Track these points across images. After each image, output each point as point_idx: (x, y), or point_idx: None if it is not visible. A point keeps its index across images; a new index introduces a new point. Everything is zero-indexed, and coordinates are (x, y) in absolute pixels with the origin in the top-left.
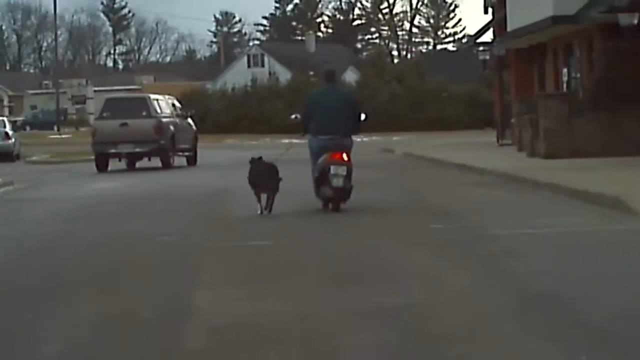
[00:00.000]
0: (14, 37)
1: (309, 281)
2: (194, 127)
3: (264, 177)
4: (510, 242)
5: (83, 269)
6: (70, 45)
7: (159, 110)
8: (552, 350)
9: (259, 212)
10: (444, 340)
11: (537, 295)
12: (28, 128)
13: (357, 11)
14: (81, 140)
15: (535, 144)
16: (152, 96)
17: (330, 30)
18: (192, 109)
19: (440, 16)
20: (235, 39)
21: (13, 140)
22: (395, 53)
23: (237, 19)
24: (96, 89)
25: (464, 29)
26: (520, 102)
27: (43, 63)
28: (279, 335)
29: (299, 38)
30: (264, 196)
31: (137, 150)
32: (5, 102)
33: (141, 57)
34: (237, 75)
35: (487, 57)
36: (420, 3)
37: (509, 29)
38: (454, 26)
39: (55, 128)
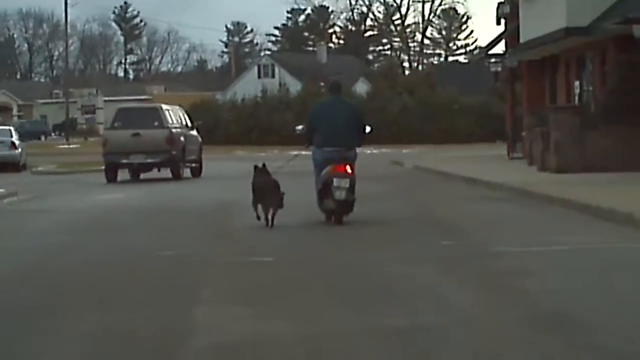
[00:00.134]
0: (26, 45)
1: (313, 300)
2: (199, 138)
3: (265, 191)
4: (521, 260)
5: (83, 284)
6: (82, 55)
7: (170, 121)
8: None
9: (255, 216)
10: None
11: (549, 317)
12: None
13: (369, 22)
14: (89, 151)
15: (546, 157)
16: (164, 106)
17: (342, 41)
18: (200, 119)
19: (452, 28)
20: (246, 49)
21: (20, 150)
22: (406, 64)
23: (248, 29)
24: (106, 98)
25: (475, 40)
26: (532, 114)
27: (54, 72)
28: (281, 356)
29: (311, 49)
30: (259, 207)
31: (149, 160)
32: (15, 111)
33: (152, 67)
34: (248, 86)
35: (499, 69)
36: (432, 14)
37: (521, 40)
38: (465, 38)
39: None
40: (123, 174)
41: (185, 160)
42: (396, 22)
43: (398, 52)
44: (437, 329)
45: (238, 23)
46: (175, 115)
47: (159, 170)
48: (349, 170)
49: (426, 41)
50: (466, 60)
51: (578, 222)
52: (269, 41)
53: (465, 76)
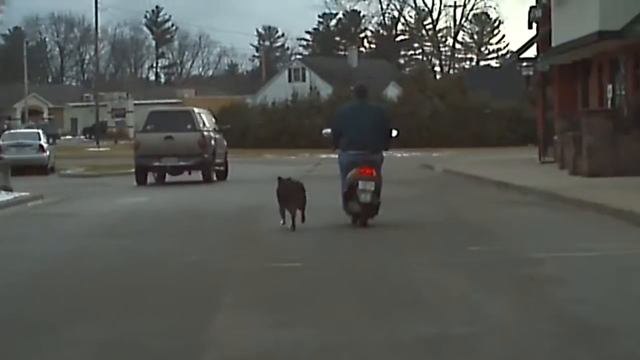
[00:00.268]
0: (57, 49)
1: (339, 308)
2: (224, 142)
3: (290, 193)
4: (553, 267)
5: (98, 292)
6: (113, 58)
7: (202, 124)
8: None
9: (281, 222)
10: None
11: (582, 327)
12: None
13: (400, 27)
14: (119, 154)
15: (577, 161)
16: (196, 110)
17: (373, 46)
18: (229, 123)
19: (484, 32)
20: (277, 54)
21: (48, 153)
22: (437, 69)
23: (279, 33)
24: (136, 102)
25: (507, 45)
26: (563, 118)
27: (85, 76)
28: None
29: (342, 53)
30: (287, 213)
31: (181, 163)
32: (45, 115)
33: (183, 71)
34: (278, 90)
35: (531, 73)
36: (464, 19)
37: (553, 44)
38: (497, 42)
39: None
40: (149, 177)
41: (214, 163)
42: (427, 27)
43: (429, 57)
44: (465, 339)
45: (269, 27)
46: (205, 119)
47: (189, 174)
48: (374, 173)
49: (458, 46)
50: (498, 65)
51: (611, 228)
52: (300, 45)
53: (497, 81)
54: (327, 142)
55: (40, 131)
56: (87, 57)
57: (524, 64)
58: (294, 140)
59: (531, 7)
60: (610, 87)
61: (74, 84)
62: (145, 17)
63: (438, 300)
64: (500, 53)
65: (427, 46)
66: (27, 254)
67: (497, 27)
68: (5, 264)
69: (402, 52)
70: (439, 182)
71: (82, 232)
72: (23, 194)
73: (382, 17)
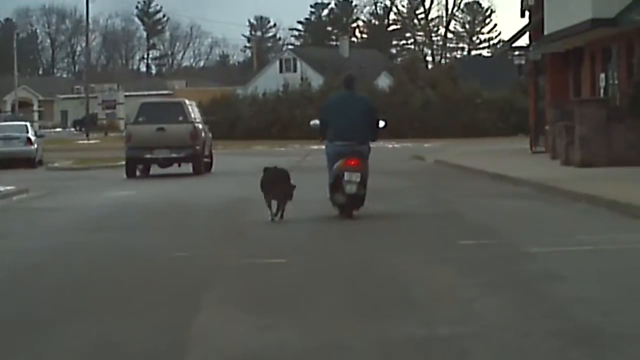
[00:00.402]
0: (48, 41)
1: (326, 307)
2: (210, 134)
3: (274, 183)
4: (549, 262)
5: (82, 289)
6: (104, 50)
7: (193, 116)
8: None
9: (269, 218)
10: None
11: (582, 329)
12: None
13: (392, 16)
14: (109, 146)
15: (570, 151)
16: (187, 101)
17: (364, 36)
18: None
19: (476, 22)
20: (269, 44)
21: (35, 146)
22: (429, 59)
23: (271, 23)
24: (127, 93)
25: (499, 34)
26: (555, 108)
27: (76, 67)
28: None
29: (334, 43)
30: (274, 202)
31: (174, 155)
32: (35, 107)
33: (174, 62)
34: (269, 80)
35: (523, 62)
36: (456, 8)
37: (545, 32)
38: (489, 32)
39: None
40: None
41: (204, 155)
42: (419, 16)
43: (421, 46)
44: (457, 340)
45: (261, 18)
46: (196, 110)
47: (179, 166)
48: (360, 164)
49: (449, 35)
50: (489, 54)
51: (607, 220)
52: (291, 36)
53: (488, 70)
54: (317, 133)
55: (28, 124)
56: (79, 48)
57: (516, 52)
58: (285, 131)
59: None
60: (603, 75)
61: (65, 75)
62: (137, 8)
63: (429, 298)
64: (491, 42)
65: (419, 36)
66: (10, 249)
67: (489, 16)
68: None
69: (394, 42)
70: (430, 173)
71: (67, 227)
72: (8, 187)
73: (374, 7)
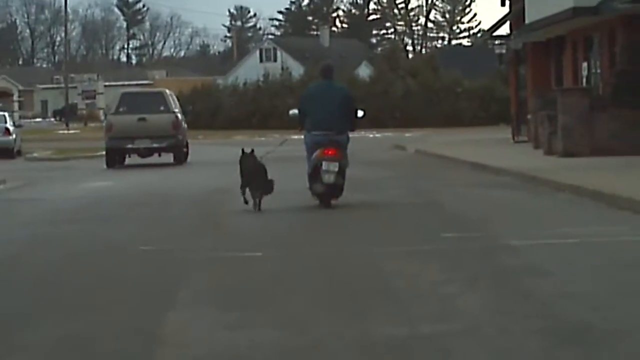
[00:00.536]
0: (28, 31)
1: (302, 304)
2: (185, 124)
3: (254, 175)
4: (534, 255)
5: (53, 283)
6: (84, 40)
7: (174, 105)
8: None
9: (244, 201)
10: None
11: (568, 326)
12: None
13: (372, 6)
14: (89, 136)
15: (552, 141)
16: (168, 91)
17: (345, 25)
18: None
19: (456, 11)
20: (249, 34)
21: (14, 136)
22: (410, 48)
23: (252, 13)
24: (107, 83)
25: (479, 24)
26: (537, 97)
27: (56, 58)
28: None
29: (314, 33)
30: (247, 192)
31: (155, 145)
32: (15, 97)
33: (155, 52)
34: (249, 70)
35: (504, 51)
36: None
37: (527, 21)
38: (469, 21)
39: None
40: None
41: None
42: (400, 6)
43: (401, 36)
44: (439, 339)
45: (241, 7)
46: (175, 100)
47: (159, 155)
48: (338, 154)
49: (429, 25)
50: (469, 44)
51: (592, 211)
52: (272, 26)
53: (469, 59)
54: (296, 123)
55: (6, 114)
56: (58, 38)
57: (497, 42)
58: (266, 121)
59: None
60: (585, 64)
61: (45, 65)
62: None
63: (409, 295)
64: (472, 32)
65: (399, 25)
66: None
67: (469, 5)
68: None
69: (374, 32)
70: (411, 163)
71: (43, 218)
72: None
73: None
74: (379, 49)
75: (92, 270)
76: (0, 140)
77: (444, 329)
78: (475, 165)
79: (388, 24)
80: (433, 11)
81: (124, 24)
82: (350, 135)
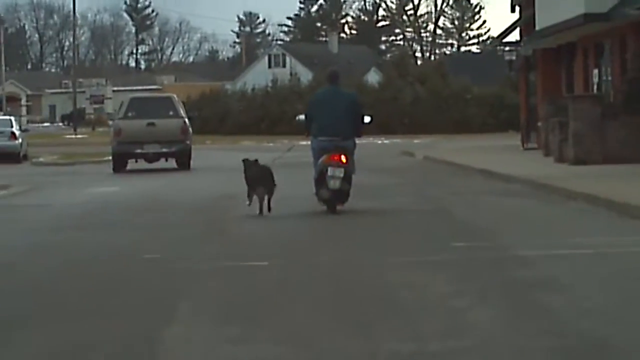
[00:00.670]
0: (36, 36)
1: (307, 317)
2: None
3: (259, 178)
4: (546, 267)
5: (51, 292)
6: (93, 45)
7: (182, 111)
8: None
9: (247, 203)
10: None
11: (585, 344)
12: None
13: (381, 12)
14: (96, 141)
15: (563, 148)
16: (175, 96)
17: (354, 32)
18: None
19: (465, 18)
20: (258, 40)
21: (20, 140)
22: (419, 55)
23: (260, 19)
24: (115, 88)
25: (488, 31)
26: (548, 104)
27: (65, 62)
28: None
29: (323, 39)
30: (256, 198)
31: (164, 150)
32: (23, 101)
33: (164, 57)
34: (258, 76)
35: (513, 58)
36: (445, 4)
37: (537, 27)
38: (478, 28)
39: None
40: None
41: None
42: (409, 12)
43: (410, 42)
44: (447, 356)
45: (250, 13)
46: (181, 106)
47: (166, 160)
48: (343, 159)
49: (438, 31)
50: (479, 51)
51: (605, 221)
52: (281, 32)
53: (478, 66)
54: (303, 129)
55: (12, 118)
56: (67, 43)
57: (507, 48)
58: (274, 127)
59: None
60: (596, 71)
61: (53, 70)
62: (125, 3)
63: (417, 307)
64: (481, 39)
65: (408, 32)
66: None
67: (478, 12)
68: None
69: (383, 38)
70: (419, 170)
71: (47, 224)
72: None
73: (363, 3)
74: (388, 55)
75: (91, 279)
76: (7, 145)
77: (452, 346)
78: (484, 173)
79: (397, 31)
80: (442, 18)
81: (133, 29)
82: (358, 141)
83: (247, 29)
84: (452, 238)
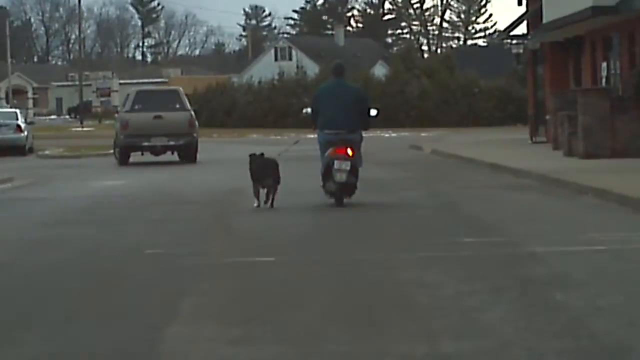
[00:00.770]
0: (42, 29)
1: (314, 317)
2: None
3: (264, 170)
4: (560, 264)
5: (46, 290)
6: (99, 38)
7: (189, 104)
8: None
9: (255, 204)
10: None
11: (604, 346)
12: None
13: (387, 5)
14: (103, 134)
15: (572, 142)
16: (181, 89)
17: (360, 25)
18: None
19: (471, 11)
20: (264, 33)
21: (25, 133)
22: (425, 48)
23: (267, 12)
24: (122, 81)
25: (494, 24)
26: (557, 97)
27: (71, 55)
28: None
29: (329, 32)
30: (263, 190)
31: (171, 143)
32: (30, 94)
33: (170, 50)
34: (264, 69)
35: (521, 51)
36: None
37: (544, 20)
38: (484, 21)
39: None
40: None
41: None
42: (415, 6)
43: (417, 36)
44: (461, 359)
45: (256, 6)
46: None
47: (172, 153)
48: (350, 152)
49: (445, 24)
50: (485, 44)
51: (618, 216)
52: (287, 25)
53: (485, 59)
54: (311, 121)
55: (17, 111)
56: (73, 36)
57: (514, 41)
58: (281, 120)
59: None
60: (604, 65)
61: (59, 63)
62: None
63: (428, 307)
64: (487, 32)
65: (415, 25)
66: None
67: (484, 5)
68: None
69: (390, 31)
70: (427, 164)
71: (49, 218)
72: None
73: None
74: (395, 48)
75: (89, 276)
76: (12, 138)
77: (466, 348)
78: (493, 166)
79: (403, 24)
80: (448, 11)
81: (139, 22)
82: (365, 134)
83: (253, 22)
84: (462, 234)
